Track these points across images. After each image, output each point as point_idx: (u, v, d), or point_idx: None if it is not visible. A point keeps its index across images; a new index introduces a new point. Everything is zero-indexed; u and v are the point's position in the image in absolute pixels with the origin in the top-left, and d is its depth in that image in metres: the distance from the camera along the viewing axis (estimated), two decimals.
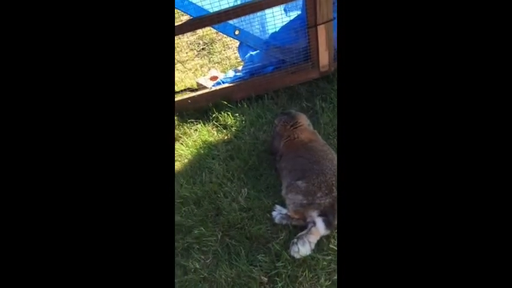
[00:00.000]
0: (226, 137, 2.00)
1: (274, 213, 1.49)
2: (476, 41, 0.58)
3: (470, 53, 0.59)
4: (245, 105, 2.11)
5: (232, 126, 2.05)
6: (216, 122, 2.10)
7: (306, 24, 1.88)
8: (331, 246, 1.34)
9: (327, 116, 1.89)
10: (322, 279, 1.25)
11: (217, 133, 2.05)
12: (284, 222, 1.45)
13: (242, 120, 2.06)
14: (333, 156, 1.49)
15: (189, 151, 1.97)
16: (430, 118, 0.59)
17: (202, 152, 1.95)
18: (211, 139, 2.00)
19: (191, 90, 2.35)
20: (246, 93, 2.16)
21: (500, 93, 0.57)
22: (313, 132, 1.72)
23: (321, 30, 1.88)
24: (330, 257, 1.31)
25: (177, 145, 2.03)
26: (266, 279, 1.29)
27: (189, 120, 2.13)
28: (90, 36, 0.61)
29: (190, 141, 2.02)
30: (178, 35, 1.83)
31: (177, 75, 2.70)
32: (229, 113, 2.09)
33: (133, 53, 0.63)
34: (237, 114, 2.09)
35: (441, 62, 0.60)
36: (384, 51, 0.62)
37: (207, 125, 2.10)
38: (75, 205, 0.59)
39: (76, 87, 0.61)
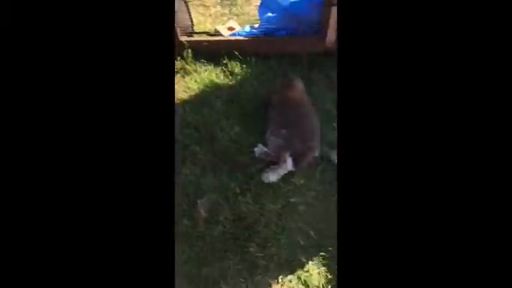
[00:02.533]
0: (231, 83, 2.31)
1: (256, 150, 1.86)
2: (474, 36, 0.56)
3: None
4: (253, 60, 2.40)
5: (238, 75, 2.35)
6: (225, 67, 2.38)
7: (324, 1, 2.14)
8: (292, 180, 1.75)
9: (321, 89, 2.21)
10: (281, 199, 1.67)
11: (224, 77, 2.34)
12: (263, 157, 1.82)
13: (247, 73, 2.36)
14: (316, 120, 1.85)
15: (196, 86, 2.27)
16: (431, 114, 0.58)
17: (207, 89, 2.26)
18: (217, 81, 2.30)
19: (209, 34, 2.60)
20: (257, 50, 2.44)
21: (500, 95, 0.54)
22: (306, 97, 2.05)
23: (334, 11, 2.14)
24: (290, 187, 1.72)
25: (187, 79, 2.32)
26: (239, 190, 1.69)
27: (201, 60, 2.41)
28: None
29: (199, 78, 2.31)
30: None
31: (198, 18, 2.92)
32: (238, 63, 2.38)
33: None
34: (244, 66, 2.37)
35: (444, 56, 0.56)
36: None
37: (216, 68, 2.38)
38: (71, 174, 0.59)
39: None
